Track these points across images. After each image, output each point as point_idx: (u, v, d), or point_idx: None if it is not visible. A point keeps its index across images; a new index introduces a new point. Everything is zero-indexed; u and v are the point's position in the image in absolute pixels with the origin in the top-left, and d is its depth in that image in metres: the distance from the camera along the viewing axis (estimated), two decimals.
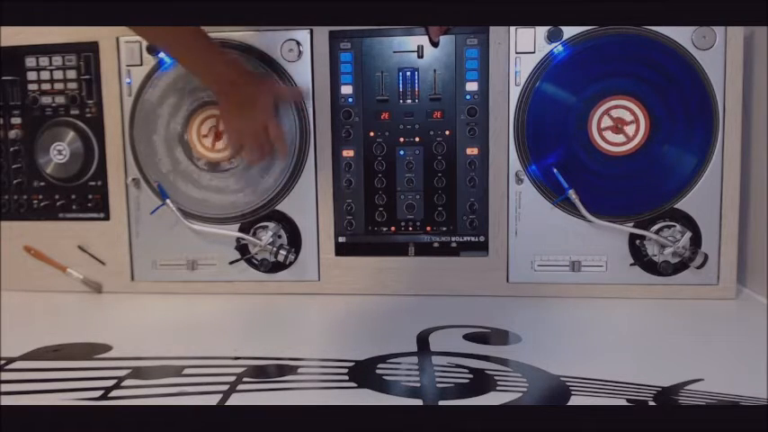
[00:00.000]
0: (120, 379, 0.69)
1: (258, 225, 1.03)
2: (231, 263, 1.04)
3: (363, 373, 0.70)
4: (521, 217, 0.99)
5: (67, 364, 0.74)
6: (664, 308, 0.93)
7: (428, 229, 1.02)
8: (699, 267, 0.96)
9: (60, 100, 1.06)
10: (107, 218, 1.06)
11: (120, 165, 1.05)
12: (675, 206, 0.97)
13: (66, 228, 1.08)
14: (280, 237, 1.03)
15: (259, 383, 0.68)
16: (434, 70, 0.99)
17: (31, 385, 0.69)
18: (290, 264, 1.03)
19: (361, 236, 1.03)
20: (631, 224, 0.97)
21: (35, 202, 1.08)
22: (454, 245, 1.02)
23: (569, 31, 0.96)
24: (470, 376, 0.69)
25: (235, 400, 0.63)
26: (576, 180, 0.97)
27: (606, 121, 0.96)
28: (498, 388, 0.66)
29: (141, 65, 1.03)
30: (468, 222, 1.01)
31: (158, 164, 1.04)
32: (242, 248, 1.04)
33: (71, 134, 1.05)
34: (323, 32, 1.00)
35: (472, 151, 1.00)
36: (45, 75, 1.06)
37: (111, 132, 1.05)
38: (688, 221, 0.96)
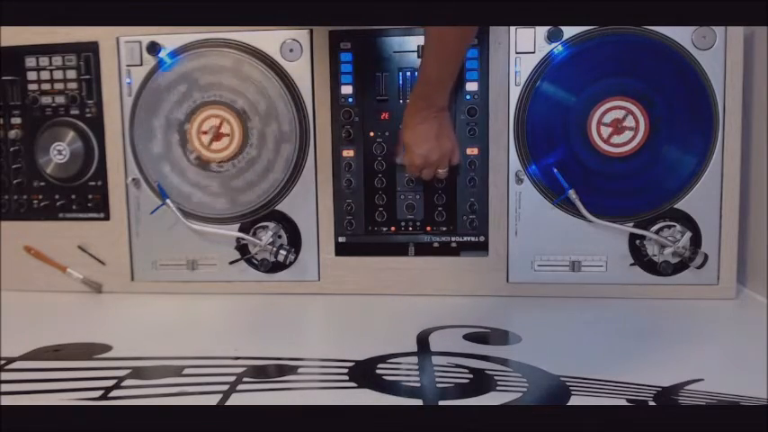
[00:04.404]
0: (120, 379, 0.69)
1: (258, 225, 1.03)
2: (231, 263, 1.04)
3: (363, 373, 0.70)
4: (521, 217, 0.99)
5: (67, 364, 0.74)
6: (664, 308, 0.93)
7: (428, 229, 1.02)
8: (699, 267, 0.96)
9: (60, 100, 1.06)
10: (107, 218, 1.06)
11: (120, 165, 1.05)
12: (675, 206, 0.97)
13: (66, 228, 1.07)
14: (280, 237, 1.03)
15: (259, 383, 0.68)
16: None
17: (31, 385, 0.69)
18: (290, 264, 1.03)
19: (361, 236, 1.03)
20: (631, 224, 0.97)
21: (35, 202, 1.08)
22: (454, 245, 1.02)
23: (569, 31, 0.96)
24: (470, 376, 0.69)
25: (235, 400, 0.63)
26: (575, 180, 0.97)
27: (606, 121, 0.96)
28: (498, 388, 0.66)
29: (141, 65, 1.03)
30: (468, 222, 1.01)
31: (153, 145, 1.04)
32: (242, 248, 1.04)
33: (71, 134, 1.05)
34: (323, 32, 1.00)
35: (472, 151, 1.00)
36: (45, 75, 1.06)
37: (111, 132, 1.05)
38: (688, 221, 0.96)
